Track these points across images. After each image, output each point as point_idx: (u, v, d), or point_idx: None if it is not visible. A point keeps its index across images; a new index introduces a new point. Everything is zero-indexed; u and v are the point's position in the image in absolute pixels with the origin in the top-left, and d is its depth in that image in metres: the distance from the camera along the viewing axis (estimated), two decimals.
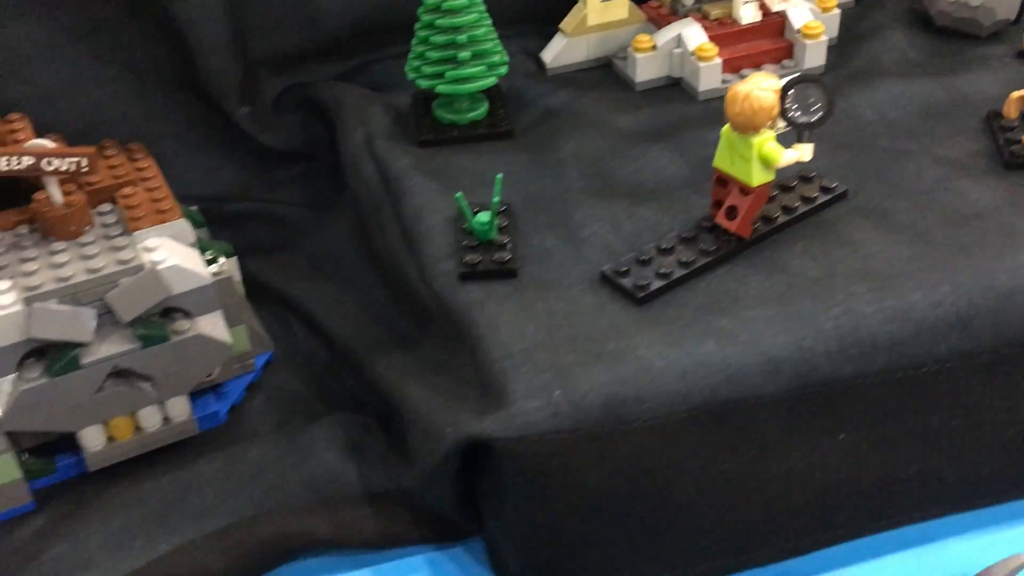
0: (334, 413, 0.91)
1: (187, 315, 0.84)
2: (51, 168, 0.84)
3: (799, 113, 0.78)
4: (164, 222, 0.88)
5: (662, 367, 0.73)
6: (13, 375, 0.79)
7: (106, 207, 0.90)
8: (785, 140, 0.81)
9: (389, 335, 0.92)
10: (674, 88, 1.06)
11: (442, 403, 0.77)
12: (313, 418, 0.90)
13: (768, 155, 0.78)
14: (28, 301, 0.78)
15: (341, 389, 0.94)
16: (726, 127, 0.80)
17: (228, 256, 0.89)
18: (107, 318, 0.81)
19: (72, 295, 0.80)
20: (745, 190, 0.80)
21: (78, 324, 0.79)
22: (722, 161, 0.81)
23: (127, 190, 0.92)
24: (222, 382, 0.92)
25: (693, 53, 1.03)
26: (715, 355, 0.73)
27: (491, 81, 0.98)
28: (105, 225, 0.88)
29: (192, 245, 0.88)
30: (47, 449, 0.86)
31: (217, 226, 1.00)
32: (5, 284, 0.79)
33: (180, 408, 0.87)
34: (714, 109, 1.02)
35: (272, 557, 0.80)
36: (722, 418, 0.73)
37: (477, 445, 0.74)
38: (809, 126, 0.79)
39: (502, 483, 0.74)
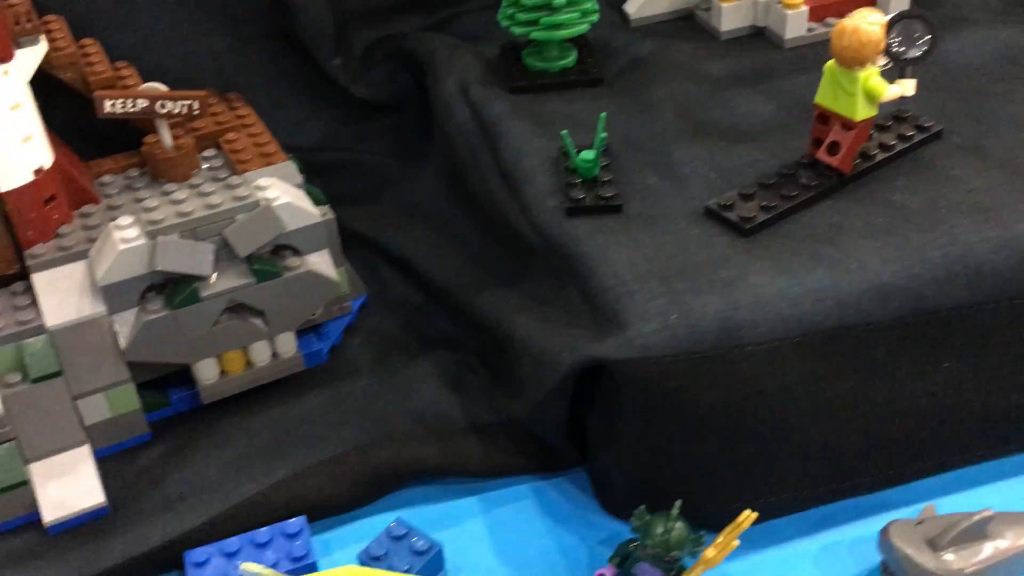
0: (432, 352, 0.94)
1: (297, 253, 0.86)
2: (164, 111, 0.87)
3: (904, 48, 0.79)
4: (271, 164, 0.90)
5: (774, 293, 0.74)
6: (135, 308, 0.82)
7: (210, 152, 0.93)
8: (886, 77, 0.82)
9: (488, 274, 0.93)
10: (758, 38, 1.07)
11: (555, 331, 0.79)
12: (411, 357, 0.93)
13: (873, 89, 0.79)
14: (152, 235, 0.81)
15: (436, 331, 0.96)
16: (829, 63, 0.81)
17: (320, 204, 0.91)
18: (223, 254, 0.84)
19: (192, 230, 0.82)
20: (848, 125, 0.81)
21: (200, 258, 0.82)
22: (824, 97, 0.82)
23: (231, 135, 0.94)
24: (322, 323, 0.95)
25: (779, 1, 1.04)
26: (825, 282, 0.75)
27: (584, 28, 0.99)
28: (212, 168, 0.90)
29: (298, 186, 0.91)
30: (160, 383, 0.89)
31: (306, 176, 1.02)
32: (128, 220, 0.82)
33: (288, 344, 0.89)
34: (801, 56, 1.03)
35: (384, 484, 0.82)
36: (832, 343, 0.74)
37: (590, 371, 0.76)
38: (913, 61, 0.80)
39: (616, 408, 0.76)
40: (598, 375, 0.76)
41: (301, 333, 0.92)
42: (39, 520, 0.79)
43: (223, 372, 0.88)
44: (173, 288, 0.82)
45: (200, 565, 0.76)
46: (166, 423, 0.88)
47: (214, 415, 0.88)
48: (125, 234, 0.81)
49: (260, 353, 0.88)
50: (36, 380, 0.80)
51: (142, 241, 0.80)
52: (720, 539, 0.70)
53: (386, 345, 0.95)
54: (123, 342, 0.82)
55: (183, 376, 0.88)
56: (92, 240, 0.84)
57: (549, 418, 0.80)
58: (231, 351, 0.86)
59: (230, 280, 0.83)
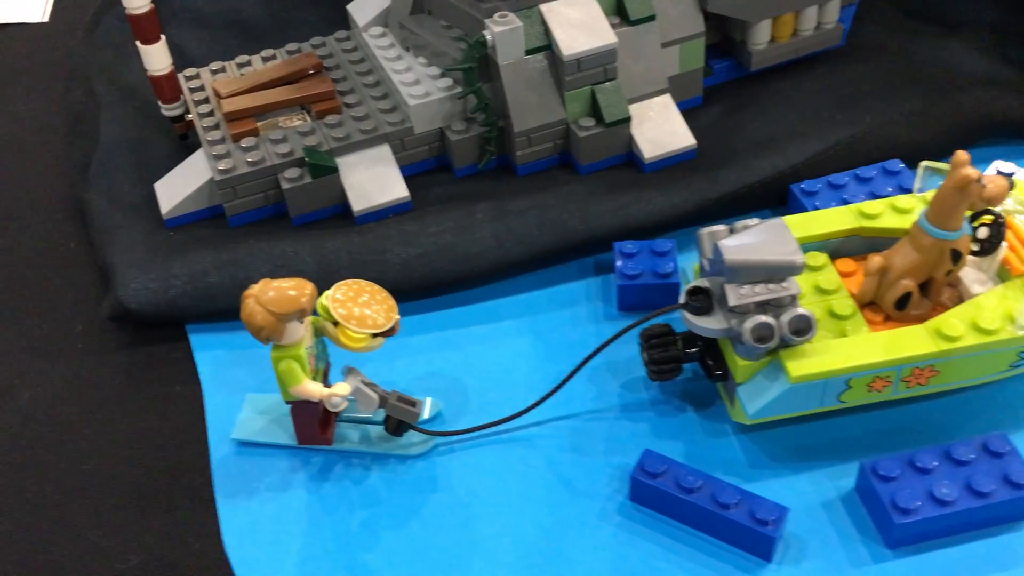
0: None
1: None
2: None
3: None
4: None
5: None
6: None
7: None
8: None
9: None
10: None
11: None
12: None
13: None
14: None
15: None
16: None
17: None
18: None
19: None
20: None
21: None
22: None
23: None
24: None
25: None
26: None
27: None
28: None
29: None
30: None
31: None
32: None
33: (832, 13, 0.90)
34: None
35: (969, 133, 0.83)
36: None
37: None
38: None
39: None
40: None
41: None
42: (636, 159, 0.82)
43: (772, 39, 0.89)
44: None
45: (810, 195, 0.79)
46: (710, 91, 0.90)
47: (756, 85, 0.90)
48: None
49: (808, 21, 0.89)
50: (635, 23, 0.81)
51: None
52: None
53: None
54: None
55: (726, 47, 0.90)
56: None
57: None
58: (786, 14, 0.87)
59: None
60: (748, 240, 0.62)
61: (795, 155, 0.80)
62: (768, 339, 0.60)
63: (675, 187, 0.79)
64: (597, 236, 0.77)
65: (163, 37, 0.83)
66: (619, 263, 0.74)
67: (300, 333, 0.62)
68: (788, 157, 0.80)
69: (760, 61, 0.89)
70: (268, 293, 0.60)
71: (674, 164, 0.83)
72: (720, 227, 0.65)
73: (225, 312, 0.75)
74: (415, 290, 0.75)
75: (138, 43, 0.83)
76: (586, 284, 0.77)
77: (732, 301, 0.61)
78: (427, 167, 0.85)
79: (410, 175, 0.83)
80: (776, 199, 0.81)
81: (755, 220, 0.64)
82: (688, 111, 0.87)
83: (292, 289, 0.60)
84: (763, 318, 0.60)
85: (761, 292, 0.61)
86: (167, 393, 0.72)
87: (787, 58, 0.90)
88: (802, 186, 0.79)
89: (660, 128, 0.83)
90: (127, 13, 0.81)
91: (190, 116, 0.88)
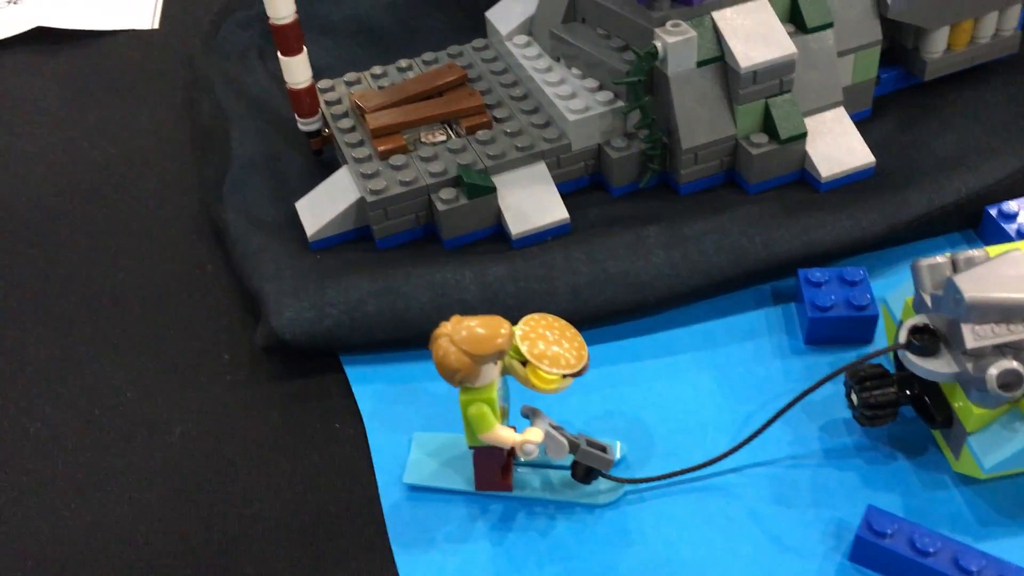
0: None
1: None
2: None
3: None
4: None
5: None
6: None
7: None
8: None
9: None
10: None
11: None
12: None
13: None
14: None
15: None
16: None
17: None
18: None
19: None
20: None
21: None
22: None
23: None
24: None
25: None
26: None
27: None
28: None
29: None
30: None
31: None
32: None
33: (1012, 19, 0.84)
34: None
35: None
36: None
37: None
38: None
39: None
40: None
41: None
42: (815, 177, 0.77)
43: (948, 47, 0.83)
44: None
45: (1009, 217, 0.73)
46: (877, 101, 0.84)
47: (928, 95, 0.84)
48: None
49: (987, 28, 0.83)
50: (811, 30, 0.76)
51: None
52: None
53: None
54: None
55: (892, 55, 0.84)
56: None
57: None
58: (966, 21, 0.81)
59: None
60: (984, 275, 0.56)
61: (989, 174, 0.74)
62: (1015, 387, 0.55)
63: (860, 209, 0.73)
64: (779, 262, 0.71)
65: (305, 49, 0.79)
66: (808, 293, 0.69)
67: (493, 375, 0.57)
68: (982, 176, 0.74)
69: (935, 70, 0.83)
70: (462, 332, 0.55)
71: (851, 183, 0.77)
72: (941, 259, 0.59)
73: (384, 343, 0.71)
74: (584, 320, 0.70)
75: (279, 54, 0.79)
76: (765, 313, 0.72)
77: (970, 343, 0.55)
78: (581, 185, 0.80)
79: (564, 192, 0.79)
80: (968, 221, 0.75)
81: (981, 251, 0.59)
82: (859, 123, 0.81)
83: (488, 328, 0.56)
84: (1010, 364, 0.54)
85: (1002, 333, 0.56)
86: (327, 430, 0.67)
87: (962, 67, 0.84)
88: (1000, 207, 0.73)
89: (836, 144, 0.78)
90: (271, 23, 0.76)
91: (327, 131, 0.84)
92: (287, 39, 0.78)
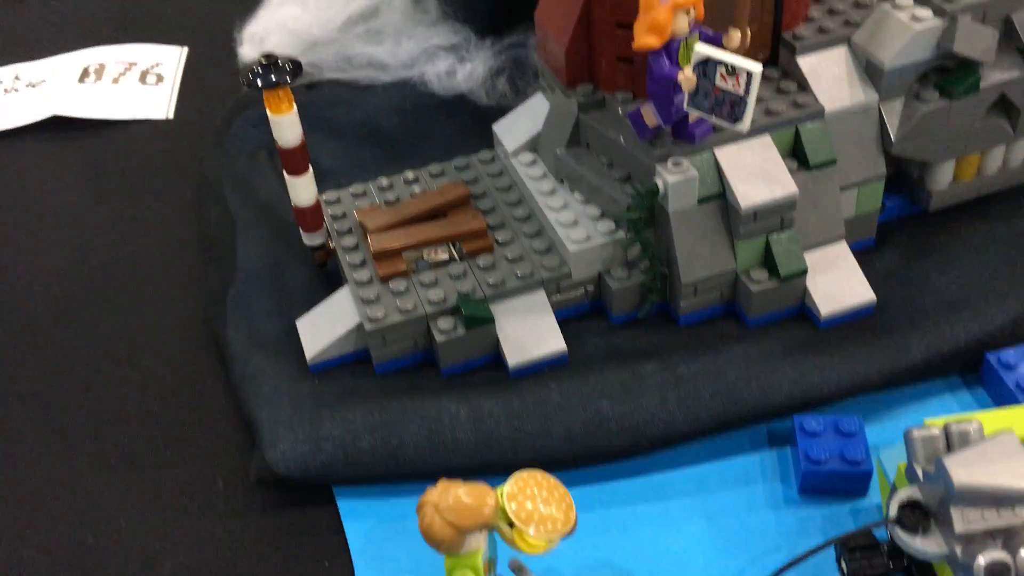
0: None
1: None
2: None
3: None
4: None
5: None
6: (902, 97, 0.77)
7: None
8: None
9: None
10: None
11: None
12: None
13: None
14: (943, 14, 0.75)
15: None
16: None
17: None
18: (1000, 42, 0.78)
19: (983, 11, 0.76)
20: None
21: (989, 43, 0.75)
22: None
23: None
24: None
25: None
26: None
27: None
28: None
29: None
30: None
31: None
32: (908, 0, 0.77)
33: (1021, 151, 0.83)
34: None
35: None
36: None
37: None
38: None
39: None
40: None
41: None
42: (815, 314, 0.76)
43: (955, 178, 0.83)
44: (955, 76, 0.76)
45: (1009, 368, 0.72)
46: (881, 228, 0.83)
47: (933, 226, 0.84)
48: (917, 13, 0.75)
49: (994, 160, 0.83)
50: (814, 167, 0.76)
51: (937, 22, 0.75)
52: None
53: None
54: (893, 133, 0.77)
55: (899, 181, 0.83)
56: (848, 23, 0.79)
57: None
58: (973, 154, 0.81)
59: (1005, 71, 0.77)
60: (976, 459, 0.56)
61: (992, 320, 0.73)
62: None
63: (859, 353, 0.72)
64: (776, 408, 0.71)
65: (311, 168, 0.80)
66: (803, 443, 0.68)
67: (479, 543, 0.57)
68: (985, 322, 0.73)
69: (940, 202, 0.83)
70: (448, 500, 0.56)
71: (851, 320, 0.77)
72: (934, 431, 0.59)
73: (377, 477, 0.71)
74: (578, 462, 0.70)
75: (286, 174, 0.80)
76: (760, 458, 0.72)
77: (959, 527, 0.55)
78: (580, 311, 0.80)
79: (564, 318, 0.79)
80: (968, 366, 0.75)
81: (975, 424, 0.59)
82: (860, 254, 0.81)
83: (474, 498, 0.56)
84: (999, 555, 0.54)
85: (991, 519, 0.55)
86: (316, 568, 0.67)
87: (968, 198, 0.84)
88: (1000, 356, 0.73)
89: (837, 281, 0.77)
90: (279, 148, 0.78)
91: (331, 244, 0.84)
92: (293, 160, 0.79)
